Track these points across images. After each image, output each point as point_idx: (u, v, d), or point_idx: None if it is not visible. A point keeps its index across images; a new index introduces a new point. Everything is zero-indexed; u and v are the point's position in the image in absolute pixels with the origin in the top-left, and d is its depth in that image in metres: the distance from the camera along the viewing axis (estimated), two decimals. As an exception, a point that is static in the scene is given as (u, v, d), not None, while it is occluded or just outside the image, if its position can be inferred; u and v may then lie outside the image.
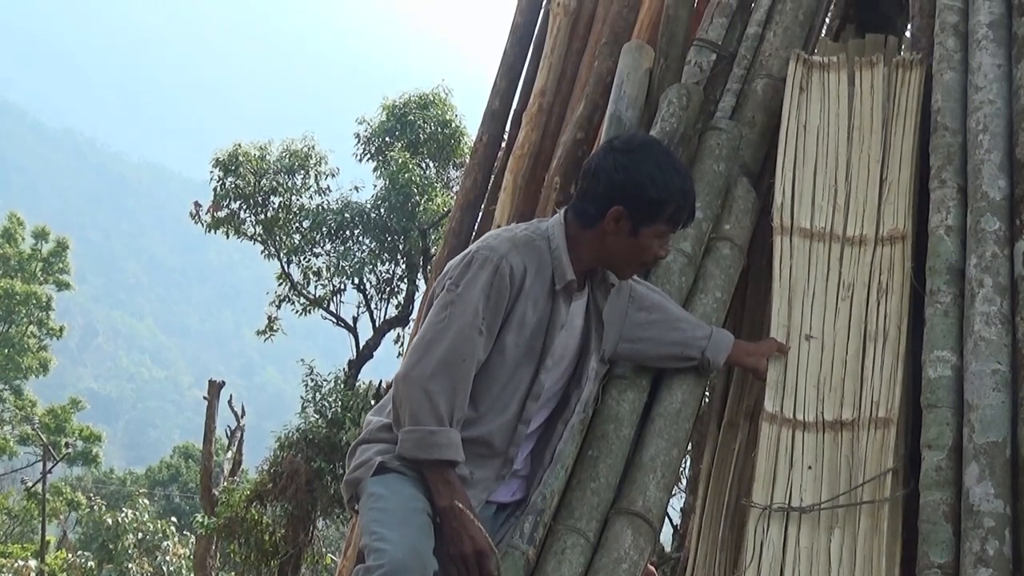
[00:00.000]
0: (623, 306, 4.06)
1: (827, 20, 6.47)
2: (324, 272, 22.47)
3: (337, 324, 22.99)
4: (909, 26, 6.00)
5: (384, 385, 18.71)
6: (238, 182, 21.84)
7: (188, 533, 30.21)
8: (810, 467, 4.47)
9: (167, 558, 29.25)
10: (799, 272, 4.82)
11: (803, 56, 5.26)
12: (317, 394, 19.72)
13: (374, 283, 22.51)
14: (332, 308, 22.90)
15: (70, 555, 30.94)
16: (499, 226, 6.31)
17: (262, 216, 22.17)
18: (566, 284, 3.69)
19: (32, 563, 29.03)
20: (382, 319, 22.43)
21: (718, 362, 4.33)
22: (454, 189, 20.76)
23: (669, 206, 3.69)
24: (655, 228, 3.70)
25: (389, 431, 3.63)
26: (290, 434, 18.94)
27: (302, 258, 22.60)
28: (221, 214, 22.18)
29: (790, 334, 4.70)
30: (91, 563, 29.70)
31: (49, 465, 32.88)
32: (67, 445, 34.61)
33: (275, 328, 23.36)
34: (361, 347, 22.37)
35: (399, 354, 19.21)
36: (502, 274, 3.57)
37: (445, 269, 3.72)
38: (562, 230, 3.74)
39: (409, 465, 3.55)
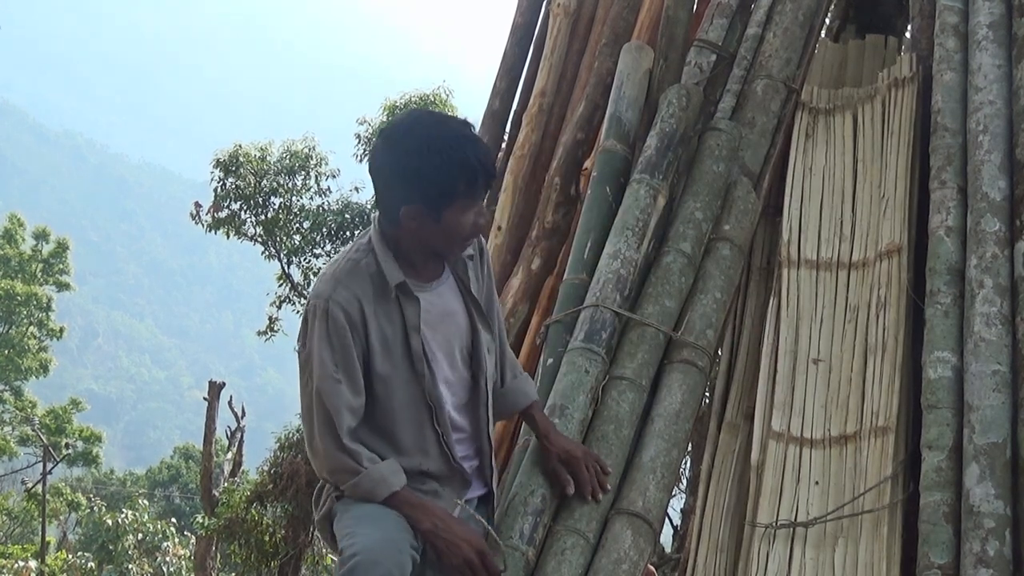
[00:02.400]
0: (487, 273, 3.90)
1: (827, 21, 6.47)
2: (324, 273, 22.46)
3: (337, 325, 22.95)
4: (909, 27, 6.01)
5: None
6: (238, 183, 21.83)
7: (188, 534, 30.21)
8: (817, 482, 4.51)
9: (167, 559, 29.24)
10: (806, 302, 4.90)
11: (808, 104, 5.33)
12: (317, 395, 19.68)
13: (374, 284, 22.48)
14: (332, 309, 22.87)
15: (70, 556, 30.94)
16: (499, 227, 6.32)
17: (262, 217, 22.16)
18: (399, 284, 3.56)
19: (32, 564, 29.04)
20: (382, 320, 22.40)
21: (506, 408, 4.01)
22: (454, 190, 20.72)
23: (457, 184, 3.49)
24: (455, 207, 3.51)
25: None
26: (290, 435, 18.92)
27: (302, 259, 22.58)
28: (221, 215, 22.17)
29: (797, 359, 4.76)
30: (91, 564, 29.70)
31: (49, 466, 32.86)
32: (67, 446, 34.61)
33: (275, 329, 23.36)
34: (361, 348, 22.33)
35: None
36: (334, 317, 3.48)
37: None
38: (379, 236, 3.61)
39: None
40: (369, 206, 22.00)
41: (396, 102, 22.47)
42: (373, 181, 3.64)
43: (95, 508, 34.42)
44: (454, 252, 3.68)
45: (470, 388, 3.76)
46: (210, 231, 22.50)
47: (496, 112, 7.15)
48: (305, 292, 22.54)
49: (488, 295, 3.88)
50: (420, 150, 3.47)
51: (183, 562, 29.28)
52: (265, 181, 22.01)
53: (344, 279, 3.55)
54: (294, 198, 22.39)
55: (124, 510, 30.86)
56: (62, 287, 36.68)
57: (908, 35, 6.17)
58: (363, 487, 3.48)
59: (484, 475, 3.79)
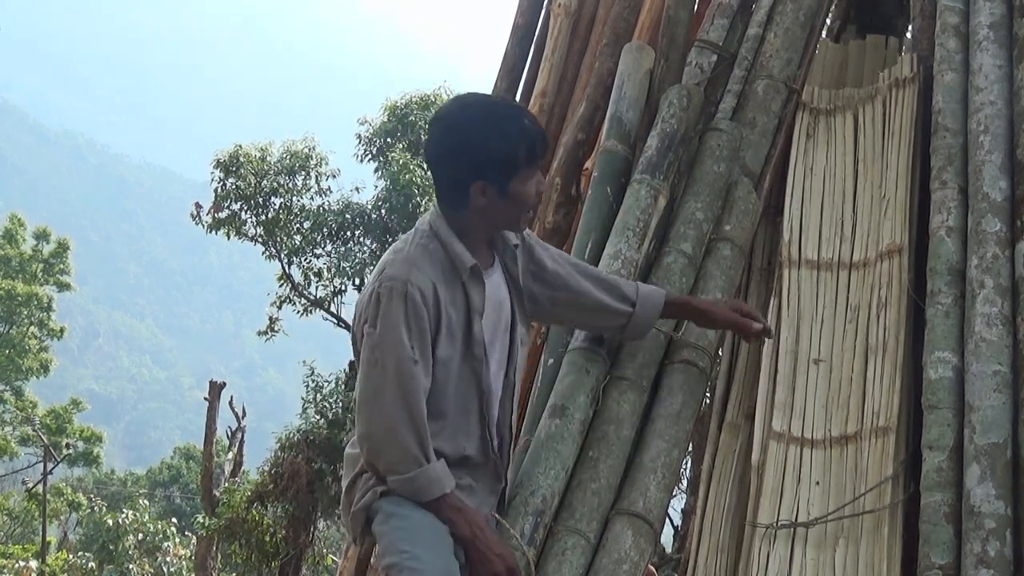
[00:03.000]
0: (527, 264, 3.95)
1: (828, 21, 6.47)
2: (325, 273, 22.49)
3: (338, 325, 23.00)
4: (910, 27, 6.01)
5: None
6: (239, 183, 21.87)
7: (189, 534, 30.26)
8: (818, 483, 4.51)
9: (168, 559, 29.28)
10: (807, 302, 4.91)
11: (809, 105, 5.33)
12: (318, 395, 19.75)
13: (375, 284, 22.48)
14: (333, 309, 22.92)
15: (71, 556, 30.99)
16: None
17: (263, 217, 22.19)
18: (470, 269, 3.62)
19: (33, 564, 29.08)
20: (383, 320, 22.40)
21: (649, 317, 4.11)
22: (455, 190, 20.74)
23: (519, 153, 3.59)
24: (520, 177, 3.61)
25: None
26: (291, 435, 18.97)
27: (303, 259, 22.62)
28: (222, 215, 22.21)
29: (798, 359, 4.77)
30: (92, 564, 29.74)
31: (50, 466, 32.90)
32: (68, 446, 34.66)
33: (276, 329, 23.39)
34: (362, 348, 22.33)
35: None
36: (413, 299, 3.49)
37: (358, 311, 3.65)
38: (444, 222, 3.66)
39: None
40: (369, 206, 22.02)
41: (396, 102, 22.50)
42: (433, 169, 3.74)
43: (96, 508, 34.48)
44: (522, 224, 3.75)
45: (501, 379, 3.78)
46: (211, 231, 22.55)
47: (497, 112, 7.15)
48: (305, 292, 22.58)
49: (550, 260, 3.97)
50: (481, 126, 3.59)
51: (184, 562, 29.31)
52: (265, 181, 22.05)
53: (418, 262, 3.57)
54: (294, 198, 22.43)
55: (125, 510, 30.91)
56: (62, 287, 36.74)
57: (909, 35, 6.16)
58: (418, 483, 3.45)
59: (499, 469, 3.79)
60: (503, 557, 3.49)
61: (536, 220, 6.06)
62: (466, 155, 3.58)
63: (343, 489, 3.74)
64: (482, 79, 8.21)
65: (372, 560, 6.49)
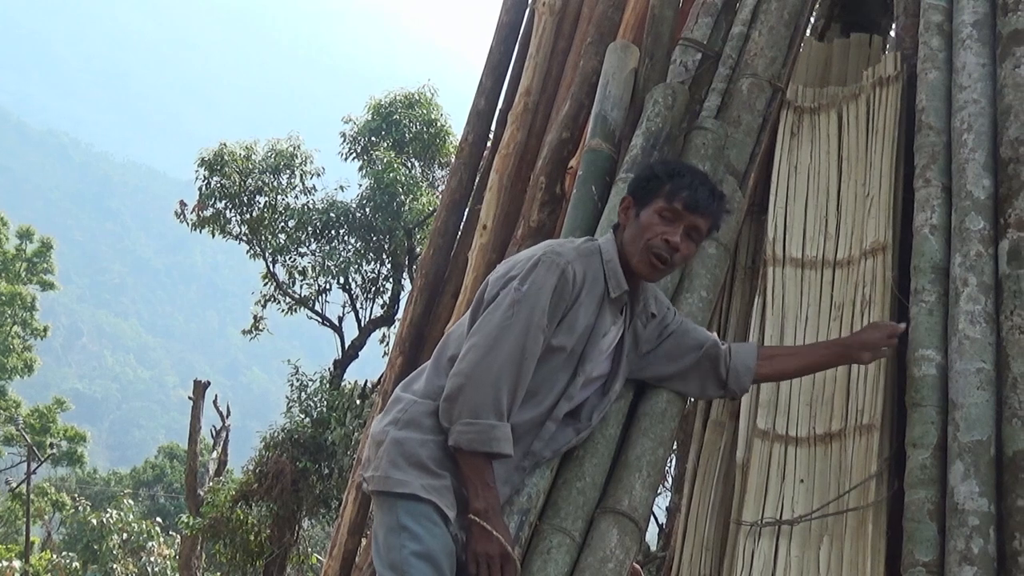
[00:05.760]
0: (656, 333, 4.11)
1: (812, 20, 6.48)
2: (309, 272, 22.42)
3: (322, 324, 22.95)
4: (893, 26, 6.02)
5: (370, 385, 18.71)
6: (223, 181, 21.79)
7: (173, 533, 30.18)
8: (802, 480, 4.52)
9: (152, 559, 29.21)
10: (791, 300, 4.92)
11: (793, 103, 5.34)
12: (302, 394, 19.70)
13: (359, 283, 22.47)
14: (317, 308, 22.85)
15: (54, 556, 30.86)
16: (485, 226, 6.32)
17: (247, 216, 22.12)
18: (619, 295, 3.82)
19: (16, 564, 28.94)
20: (367, 319, 22.39)
21: (741, 384, 4.21)
22: (439, 188, 20.75)
23: (663, 182, 3.80)
24: (654, 206, 3.80)
25: (435, 418, 3.67)
26: (275, 434, 18.91)
27: (287, 258, 22.54)
28: (206, 213, 22.12)
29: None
30: (76, 564, 29.65)
31: (34, 466, 32.78)
32: (51, 445, 34.54)
33: (260, 328, 23.31)
34: (346, 347, 22.33)
35: (384, 353, 19.17)
36: (567, 278, 3.68)
37: (506, 269, 3.81)
38: (613, 244, 3.86)
39: (446, 501, 3.58)
40: (354, 205, 21.99)
41: (381, 101, 22.45)
42: None
43: (80, 508, 34.36)
44: (641, 263, 3.83)
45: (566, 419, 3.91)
46: (195, 230, 22.46)
47: (481, 111, 7.15)
48: (290, 291, 22.52)
49: (682, 333, 4.13)
50: (665, 159, 4.11)
51: (168, 562, 29.24)
52: (250, 180, 21.97)
53: (584, 256, 3.80)
54: (279, 197, 22.35)
55: (109, 510, 30.83)
56: (46, 286, 36.58)
57: (893, 34, 6.17)
58: (490, 435, 3.55)
59: (522, 471, 3.84)
60: (501, 543, 3.54)
61: (522, 220, 6.07)
62: (637, 174, 4.00)
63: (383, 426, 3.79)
64: (468, 78, 8.19)
65: (357, 559, 6.48)
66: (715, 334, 4.26)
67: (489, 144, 7.12)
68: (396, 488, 3.59)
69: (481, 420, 3.54)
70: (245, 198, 22.03)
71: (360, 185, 22.25)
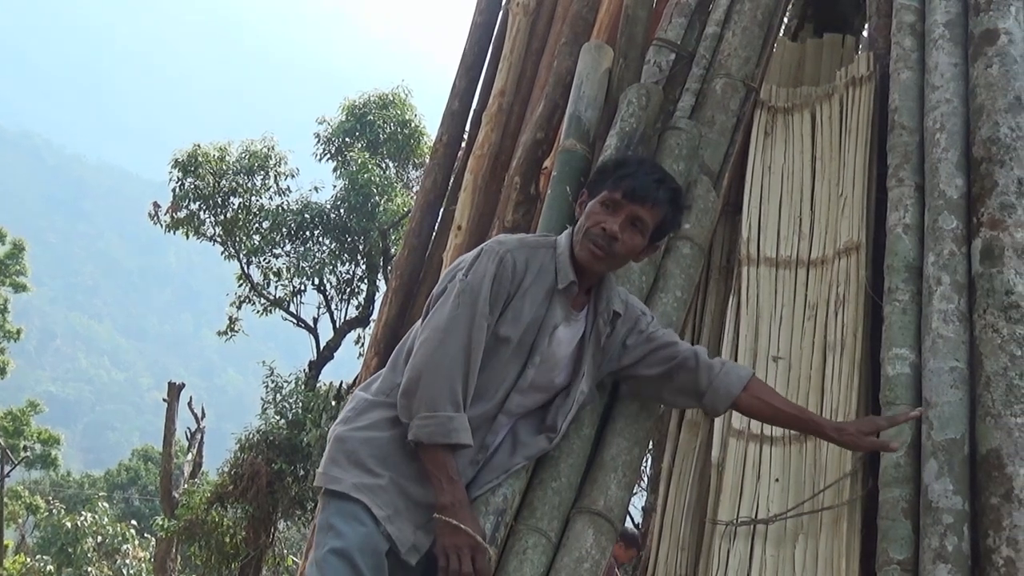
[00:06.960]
0: (624, 335, 4.01)
1: (785, 20, 6.50)
2: (284, 273, 22.39)
3: (297, 325, 22.91)
4: (866, 26, 6.04)
5: (345, 386, 18.66)
6: (197, 183, 21.73)
7: (148, 536, 30.09)
8: (777, 479, 4.53)
9: (127, 561, 29.08)
10: (765, 299, 4.93)
11: (767, 103, 5.36)
12: (278, 395, 19.64)
13: (334, 284, 22.46)
14: (292, 309, 22.82)
15: (28, 559, 30.70)
16: (459, 227, 6.32)
17: (222, 217, 22.06)
18: (567, 285, 3.76)
19: (-10, 567, 28.79)
20: (342, 320, 22.38)
21: (715, 406, 4.02)
22: (414, 189, 20.74)
23: (610, 173, 3.79)
24: (600, 196, 3.77)
25: (383, 414, 3.69)
26: (250, 435, 18.85)
27: (262, 259, 22.50)
28: (180, 215, 22.06)
29: (757, 357, 4.80)
30: (50, 567, 29.49)
31: (7, 468, 32.58)
32: (25, 448, 34.36)
33: (235, 329, 23.25)
34: (321, 348, 22.31)
35: (359, 355, 19.14)
36: (505, 264, 3.69)
37: (455, 264, 3.83)
38: (568, 238, 3.84)
39: (378, 500, 3.57)
40: (328, 206, 21.97)
41: (355, 101, 22.43)
42: None
43: (54, 511, 34.17)
44: (583, 251, 3.77)
45: (537, 412, 3.91)
46: (169, 231, 22.40)
47: (456, 112, 7.15)
48: (265, 292, 22.48)
49: (654, 340, 4.00)
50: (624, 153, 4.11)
51: (143, 564, 29.12)
52: (224, 181, 21.92)
53: (527, 246, 3.81)
54: (253, 198, 22.30)
55: (83, 512, 30.67)
56: (19, 288, 36.32)
57: (865, 34, 6.19)
58: (448, 427, 3.55)
59: (476, 463, 3.81)
60: (470, 534, 3.53)
61: (497, 220, 6.06)
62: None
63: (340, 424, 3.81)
64: (442, 79, 8.18)
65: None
66: (701, 346, 4.16)
67: (463, 145, 7.12)
68: (330, 485, 3.63)
69: (439, 412, 3.54)
70: (219, 199, 21.98)
71: (335, 186, 22.24)
